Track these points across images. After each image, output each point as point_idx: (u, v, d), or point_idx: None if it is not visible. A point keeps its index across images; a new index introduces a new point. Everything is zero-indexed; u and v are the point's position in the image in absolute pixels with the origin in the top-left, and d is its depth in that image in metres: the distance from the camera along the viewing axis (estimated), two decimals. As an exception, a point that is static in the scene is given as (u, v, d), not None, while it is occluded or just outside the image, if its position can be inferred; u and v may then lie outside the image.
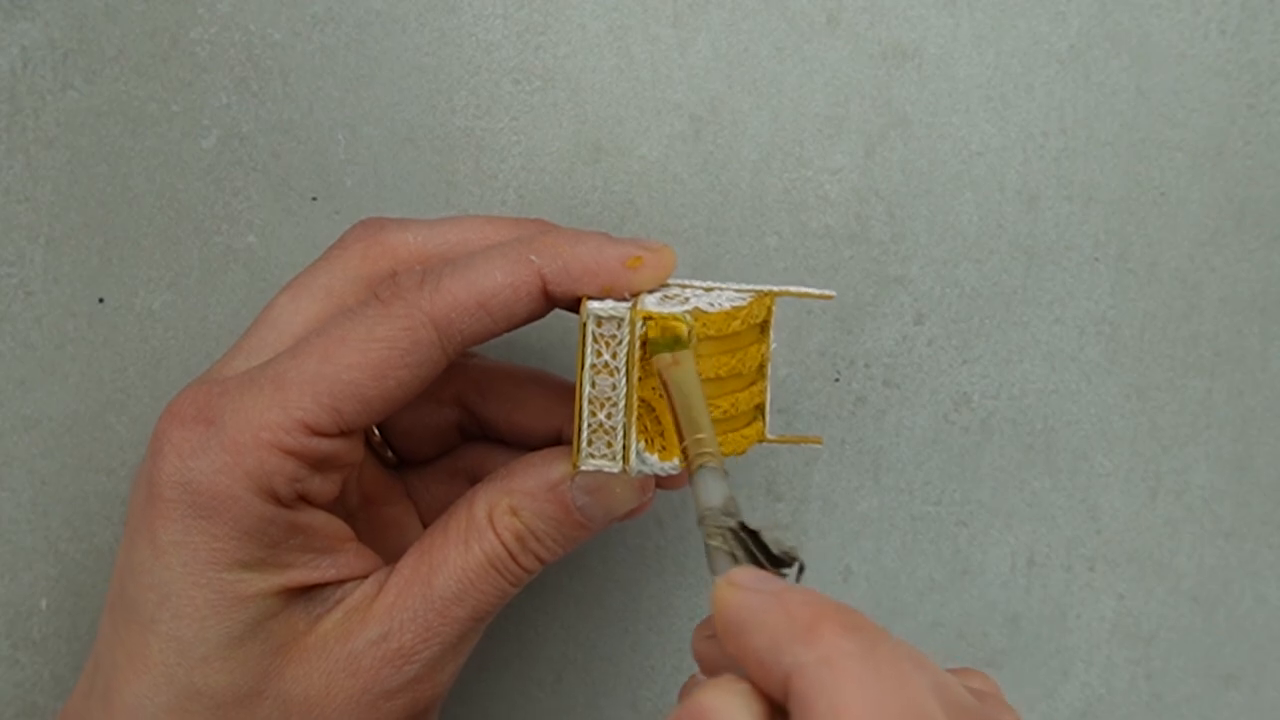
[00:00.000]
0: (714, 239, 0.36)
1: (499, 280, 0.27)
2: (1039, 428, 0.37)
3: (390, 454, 0.32)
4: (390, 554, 0.31)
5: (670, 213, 0.35)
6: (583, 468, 0.27)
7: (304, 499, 0.27)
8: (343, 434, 0.27)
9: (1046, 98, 0.36)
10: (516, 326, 0.28)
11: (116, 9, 0.34)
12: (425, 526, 0.33)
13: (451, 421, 0.32)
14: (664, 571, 0.37)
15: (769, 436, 0.29)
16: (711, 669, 0.25)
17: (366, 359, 0.26)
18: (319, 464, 0.27)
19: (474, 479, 0.32)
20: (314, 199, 0.35)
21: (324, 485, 0.28)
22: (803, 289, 0.28)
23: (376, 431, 0.32)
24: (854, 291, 0.36)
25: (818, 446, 0.35)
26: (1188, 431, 0.37)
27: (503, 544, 0.28)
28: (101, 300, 0.34)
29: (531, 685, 0.37)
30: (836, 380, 0.36)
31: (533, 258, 0.27)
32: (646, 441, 0.27)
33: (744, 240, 0.36)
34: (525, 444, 0.32)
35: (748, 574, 0.23)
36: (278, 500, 0.27)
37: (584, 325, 0.27)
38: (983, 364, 0.37)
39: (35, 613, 0.34)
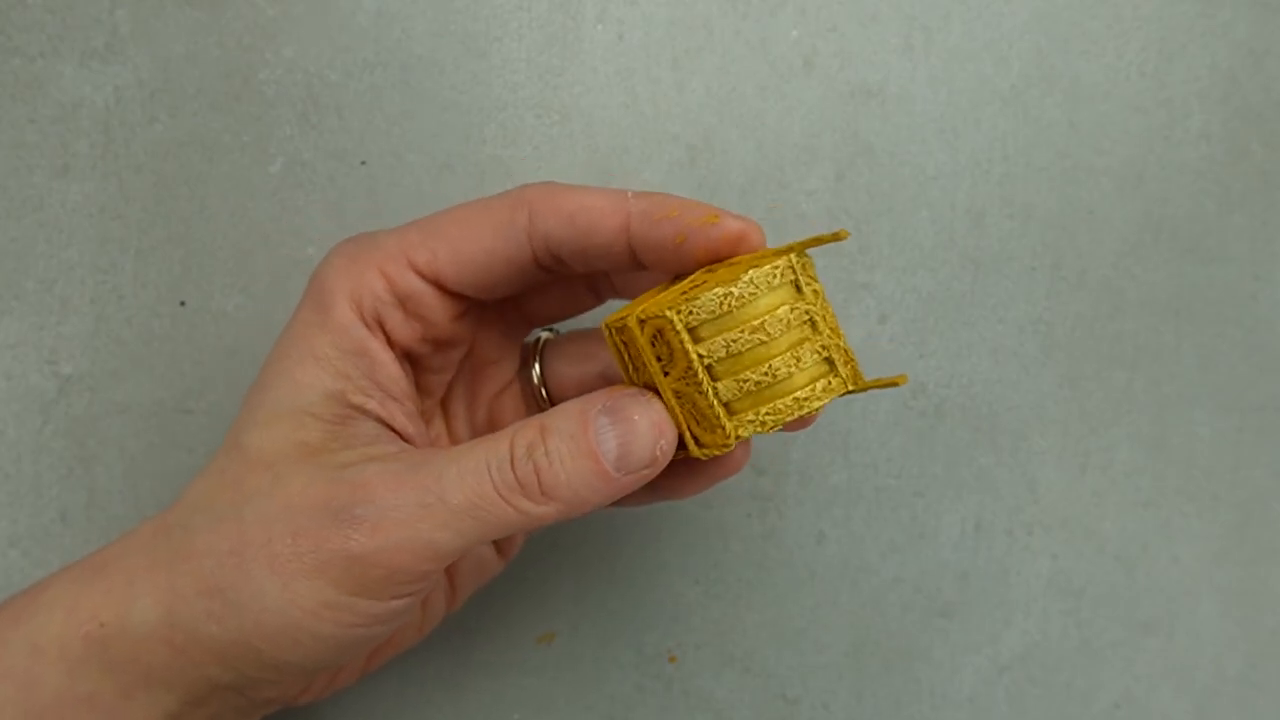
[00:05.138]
0: None
1: (595, 201, 0.28)
2: (985, 412, 0.38)
3: (540, 386, 0.32)
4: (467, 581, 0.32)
5: None
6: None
7: (381, 326, 0.28)
8: (436, 282, 0.28)
9: (991, 130, 0.37)
10: (598, 256, 0.28)
11: (196, 54, 0.35)
12: (500, 554, 0.33)
13: (600, 376, 0.31)
14: (660, 534, 0.37)
15: (861, 383, 0.26)
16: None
17: (471, 220, 0.28)
18: (404, 299, 0.28)
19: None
20: (365, 217, 0.36)
21: (404, 327, 0.28)
22: (816, 236, 0.26)
23: (537, 362, 0.32)
24: (827, 295, 0.36)
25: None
26: (1112, 416, 0.39)
27: (510, 447, 0.26)
28: (183, 303, 0.35)
29: (535, 638, 0.37)
30: (811, 371, 0.39)
31: (630, 198, 0.28)
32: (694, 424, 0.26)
33: None
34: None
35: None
36: (360, 314, 0.28)
37: (608, 335, 0.27)
38: (937, 358, 0.38)
39: None
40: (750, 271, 0.25)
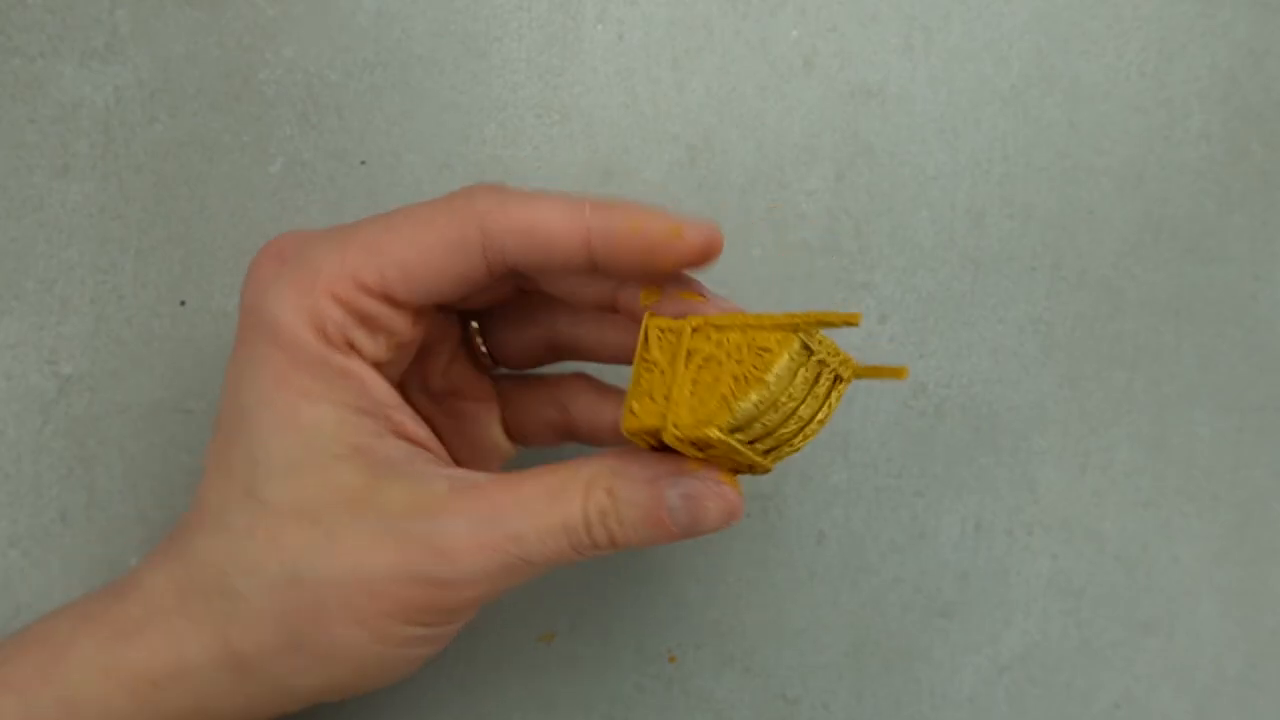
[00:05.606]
0: None
1: (552, 217, 0.26)
2: (985, 412, 0.38)
3: (484, 352, 0.32)
4: (460, 441, 0.31)
5: None
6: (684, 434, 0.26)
7: (353, 348, 0.27)
8: (388, 299, 0.27)
9: (991, 130, 0.37)
10: (556, 272, 0.28)
11: (196, 54, 0.35)
12: (506, 430, 0.32)
13: (542, 339, 0.32)
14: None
15: (860, 372, 0.27)
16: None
17: (417, 237, 0.26)
18: (364, 320, 0.27)
19: (562, 407, 0.32)
20: (365, 216, 0.34)
21: (371, 344, 0.27)
22: (826, 315, 0.25)
23: (478, 335, 0.32)
24: (827, 295, 0.37)
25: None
26: (1112, 415, 0.39)
27: (584, 513, 0.27)
28: (183, 303, 0.35)
29: (535, 637, 0.37)
30: (812, 371, 0.39)
31: (588, 211, 0.27)
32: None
33: (732, 251, 0.36)
34: (611, 359, 0.31)
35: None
36: (328, 340, 0.26)
37: (644, 330, 0.27)
38: (937, 358, 0.38)
39: (126, 570, 0.32)
40: (774, 371, 0.25)
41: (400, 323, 0.28)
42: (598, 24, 0.36)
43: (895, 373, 0.26)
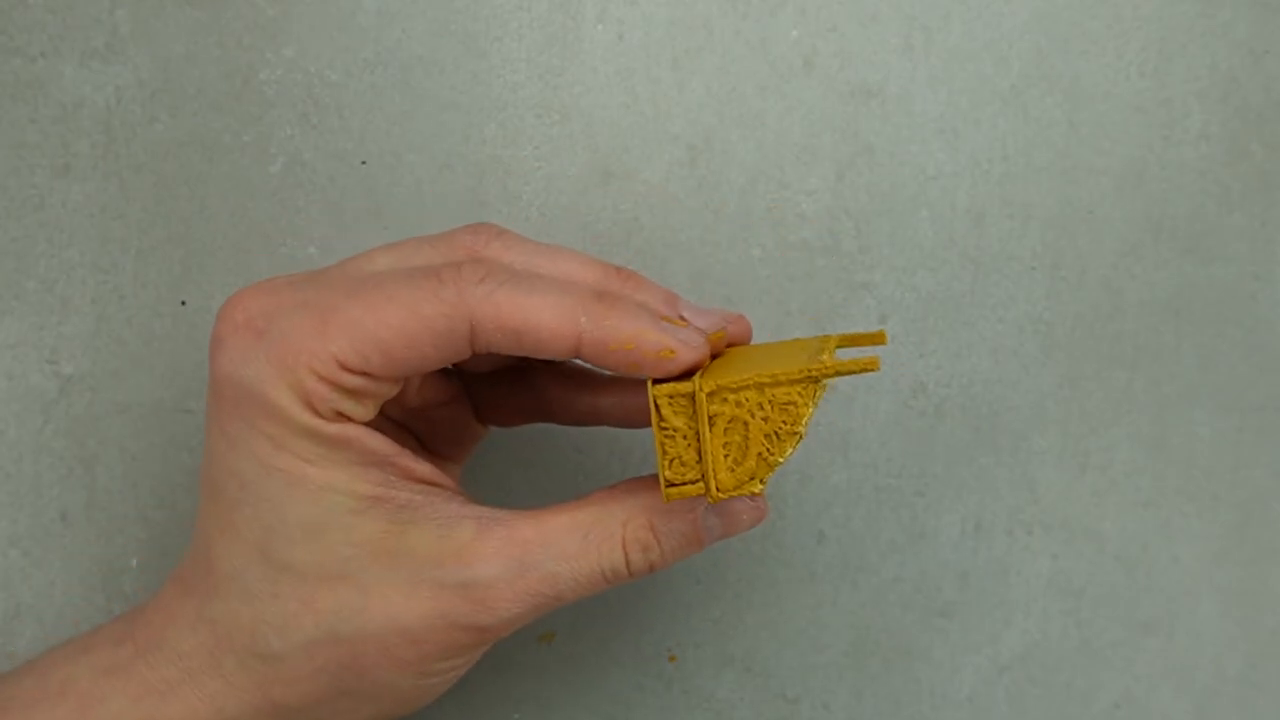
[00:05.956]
0: (707, 251, 0.37)
1: (544, 321, 0.26)
2: (985, 412, 0.38)
3: (477, 420, 0.32)
4: (437, 438, 0.32)
5: (669, 228, 0.36)
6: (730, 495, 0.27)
7: (344, 416, 0.27)
8: (370, 376, 0.26)
9: (991, 130, 0.37)
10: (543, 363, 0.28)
11: (196, 54, 0.35)
12: (480, 421, 0.33)
13: (533, 404, 0.32)
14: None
15: (838, 368, 0.26)
16: None
17: (403, 325, 0.26)
18: (350, 393, 0.26)
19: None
20: (366, 216, 0.36)
21: (360, 409, 0.27)
22: (851, 356, 0.27)
23: (468, 398, 0.32)
24: (827, 295, 0.37)
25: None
26: (1111, 415, 0.38)
27: (625, 556, 0.27)
28: (184, 303, 0.35)
29: (535, 637, 0.37)
30: (812, 371, 0.39)
31: (582, 319, 0.26)
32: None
33: (733, 252, 0.37)
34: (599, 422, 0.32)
35: None
36: (317, 413, 0.26)
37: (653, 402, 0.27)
38: (937, 357, 0.38)
39: (127, 570, 0.35)
40: (804, 423, 0.27)
41: (386, 387, 0.27)
42: (598, 24, 0.36)
43: (867, 365, 0.26)
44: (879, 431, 0.38)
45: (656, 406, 0.27)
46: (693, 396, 0.26)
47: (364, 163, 0.36)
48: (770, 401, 0.26)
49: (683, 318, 0.28)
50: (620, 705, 0.38)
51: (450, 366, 0.31)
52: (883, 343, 0.27)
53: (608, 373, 0.32)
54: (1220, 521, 0.39)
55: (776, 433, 0.27)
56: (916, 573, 0.38)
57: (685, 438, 0.27)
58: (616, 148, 0.36)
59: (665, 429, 0.27)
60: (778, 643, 0.38)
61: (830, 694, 0.38)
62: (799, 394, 0.26)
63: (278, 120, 0.35)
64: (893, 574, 0.38)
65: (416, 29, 0.36)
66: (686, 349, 0.27)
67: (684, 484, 0.27)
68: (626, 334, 0.26)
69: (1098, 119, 0.38)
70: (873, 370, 0.26)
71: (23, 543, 0.35)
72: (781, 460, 0.27)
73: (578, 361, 0.30)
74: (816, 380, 0.26)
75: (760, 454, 0.27)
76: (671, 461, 0.27)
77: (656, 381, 0.27)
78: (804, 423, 0.26)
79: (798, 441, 0.27)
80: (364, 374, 0.26)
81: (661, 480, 0.27)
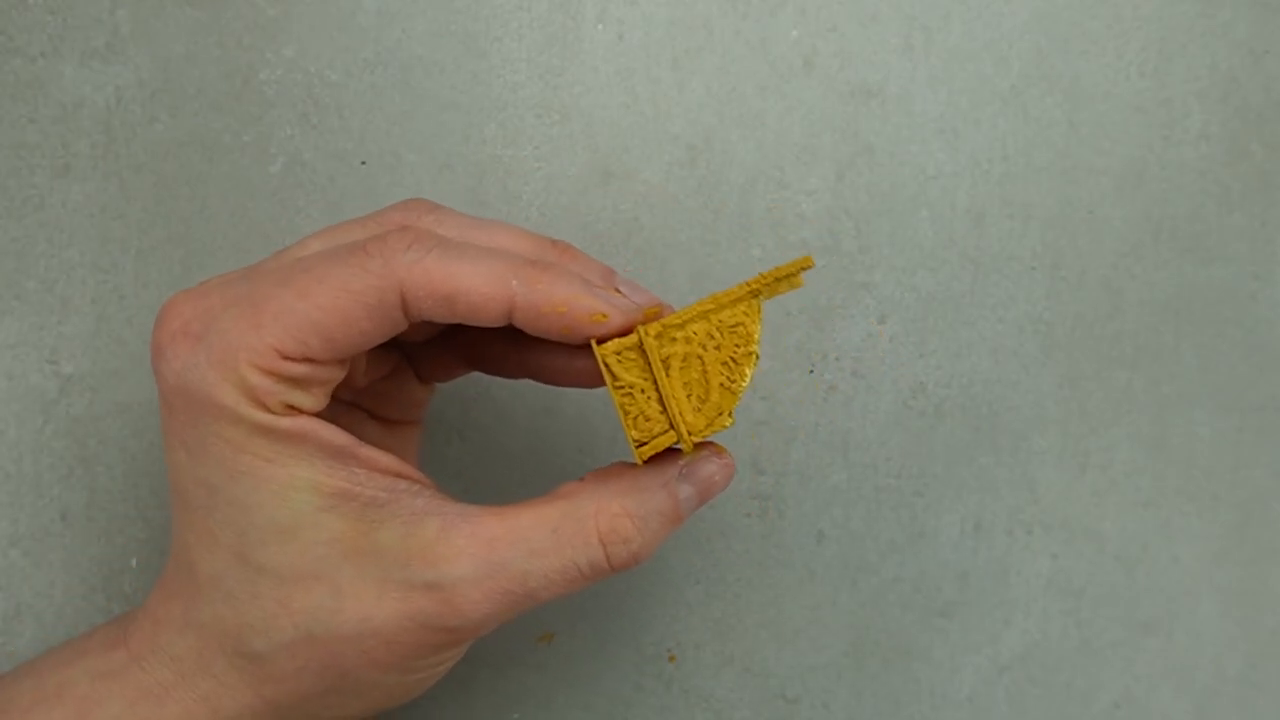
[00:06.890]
0: (707, 250, 0.37)
1: (476, 285, 0.26)
2: (984, 412, 0.38)
3: (418, 380, 0.32)
4: (385, 408, 0.31)
5: (669, 228, 0.37)
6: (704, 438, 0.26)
7: (293, 408, 0.26)
8: (312, 361, 0.26)
9: (991, 130, 0.37)
10: (477, 329, 0.28)
11: (196, 54, 0.35)
12: (422, 382, 0.32)
13: (467, 356, 0.32)
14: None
15: (770, 287, 0.27)
16: None
17: (335, 304, 0.25)
18: (296, 382, 0.26)
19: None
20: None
21: (309, 399, 0.26)
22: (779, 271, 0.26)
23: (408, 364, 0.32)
24: (826, 295, 0.37)
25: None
26: (1111, 415, 0.39)
27: (604, 549, 0.27)
28: None
29: (535, 637, 0.37)
30: (811, 372, 0.37)
31: (514, 282, 0.26)
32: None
33: (733, 251, 0.37)
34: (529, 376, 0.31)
35: None
36: (268, 409, 0.26)
37: (603, 362, 0.27)
38: (937, 357, 0.38)
39: (126, 570, 0.35)
40: (756, 340, 0.26)
41: (331, 372, 0.27)
42: (598, 24, 0.36)
43: (802, 264, 0.26)
44: (879, 431, 0.38)
45: (607, 366, 0.26)
46: (640, 346, 0.26)
47: (364, 163, 0.36)
48: (719, 328, 0.26)
49: (618, 291, 0.28)
50: (620, 705, 0.38)
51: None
52: (809, 266, 0.26)
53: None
54: (1220, 521, 0.39)
55: (733, 358, 0.26)
56: (916, 573, 0.38)
57: (643, 391, 0.26)
58: (616, 148, 0.36)
59: (620, 387, 0.26)
60: (778, 643, 0.38)
61: (830, 694, 0.38)
62: (744, 313, 0.26)
63: (278, 120, 0.35)
64: (892, 574, 0.38)
65: (416, 29, 0.36)
66: (618, 313, 0.26)
67: (654, 439, 0.26)
68: (559, 297, 0.26)
69: (1098, 119, 0.38)
70: (808, 268, 0.26)
71: (23, 543, 0.35)
72: (745, 384, 0.26)
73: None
74: (757, 293, 0.26)
75: (722, 384, 0.26)
76: (635, 419, 0.26)
77: (600, 345, 0.26)
78: (756, 341, 0.26)
79: (755, 361, 0.26)
80: (306, 360, 0.26)
81: (631, 443, 0.27)
